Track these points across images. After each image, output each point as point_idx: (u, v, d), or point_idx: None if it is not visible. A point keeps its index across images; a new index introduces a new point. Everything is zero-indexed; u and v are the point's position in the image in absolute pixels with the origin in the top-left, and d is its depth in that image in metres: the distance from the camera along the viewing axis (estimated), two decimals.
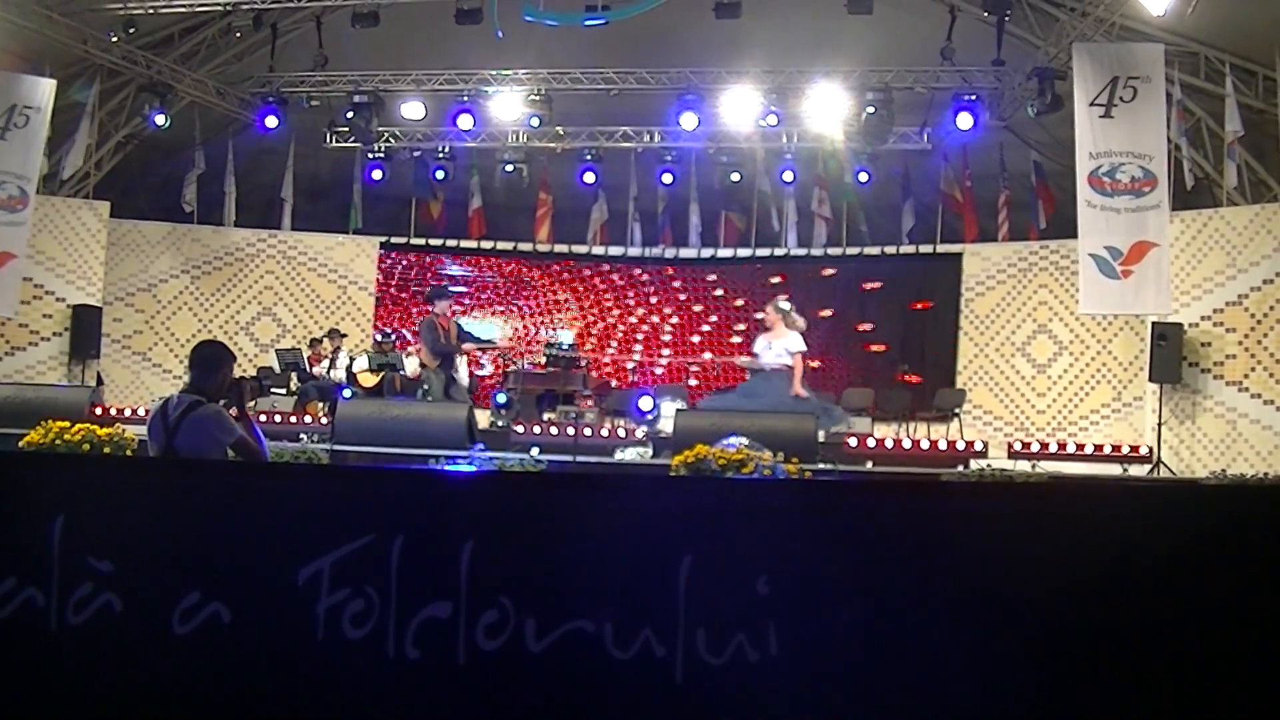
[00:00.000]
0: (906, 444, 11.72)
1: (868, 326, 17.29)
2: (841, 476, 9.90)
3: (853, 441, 11.49)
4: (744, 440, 9.32)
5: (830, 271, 17.55)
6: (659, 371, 17.93)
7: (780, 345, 11.59)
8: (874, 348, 17.17)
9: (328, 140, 17.54)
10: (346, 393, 13.88)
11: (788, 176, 16.94)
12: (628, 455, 11.54)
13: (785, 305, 11.83)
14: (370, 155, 17.51)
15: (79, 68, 14.77)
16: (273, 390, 14.90)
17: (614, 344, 18.11)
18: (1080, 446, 12.13)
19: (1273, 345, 12.77)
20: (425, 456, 9.75)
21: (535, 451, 10.65)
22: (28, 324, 15.48)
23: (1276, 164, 13.06)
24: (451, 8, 13.89)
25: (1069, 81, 12.57)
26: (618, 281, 18.27)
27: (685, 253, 18.02)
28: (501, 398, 13.95)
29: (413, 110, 16.26)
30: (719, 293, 18.01)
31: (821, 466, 10.00)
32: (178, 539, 3.05)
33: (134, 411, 12.78)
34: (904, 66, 14.93)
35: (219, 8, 14.55)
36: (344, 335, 16.04)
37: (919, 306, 17.03)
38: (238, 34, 15.77)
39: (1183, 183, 13.13)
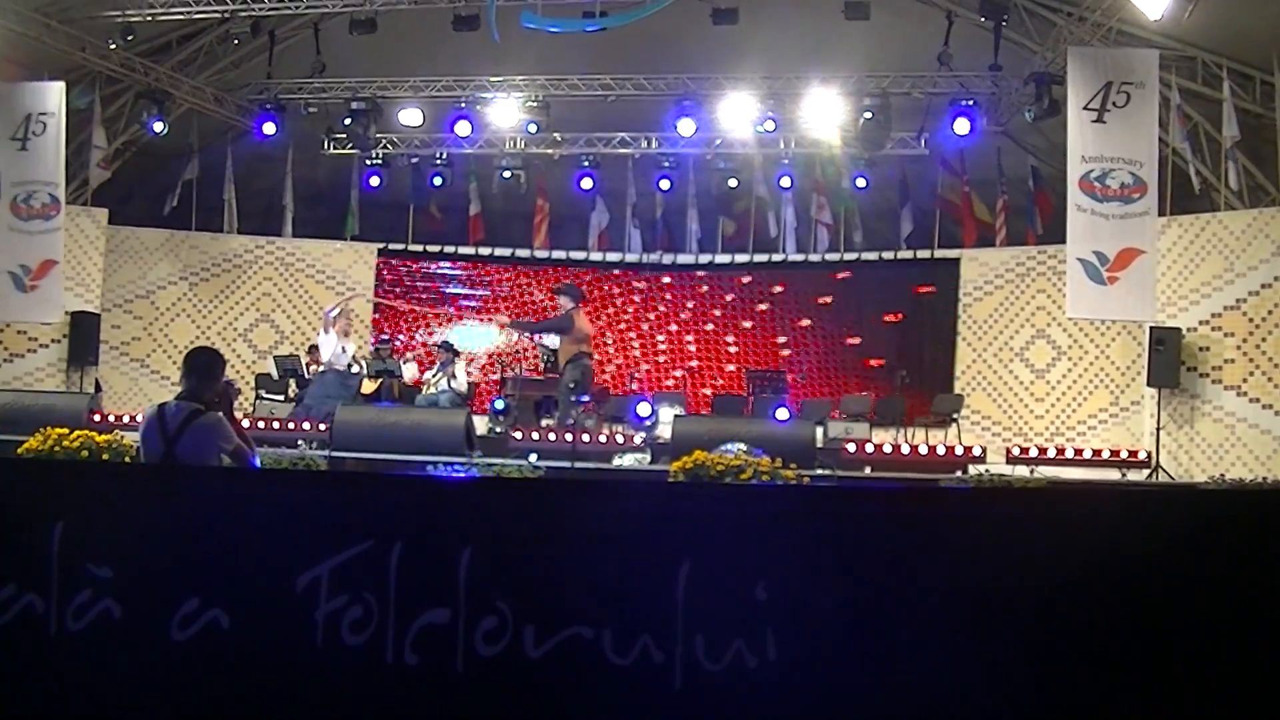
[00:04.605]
0: (905, 449, 11.72)
1: (871, 332, 17.35)
2: (839, 482, 9.90)
3: (851, 447, 11.50)
4: (742, 446, 9.33)
5: (830, 275, 17.59)
6: (646, 369, 17.94)
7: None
8: (873, 361, 17.20)
9: (325, 147, 17.54)
10: None
11: (785, 182, 16.99)
12: (626, 461, 11.55)
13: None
14: (368, 162, 17.53)
15: (77, 75, 14.78)
16: (268, 396, 14.92)
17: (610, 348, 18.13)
18: (1079, 451, 12.11)
19: (1271, 350, 12.78)
20: (424, 463, 9.76)
21: (533, 458, 10.65)
22: (26, 330, 15.48)
23: (1274, 168, 13.07)
24: (449, 14, 13.94)
25: (1066, 86, 12.59)
26: (615, 287, 18.28)
27: (683, 258, 18.04)
28: (500, 404, 13.95)
29: (410, 117, 16.29)
30: (716, 298, 18.02)
31: (819, 472, 10.01)
32: (176, 545, 3.06)
33: (132, 418, 12.75)
34: (901, 72, 14.96)
35: (217, 15, 14.55)
36: None
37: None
38: (235, 41, 15.79)
39: (1182, 187, 13.14)
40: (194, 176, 17.04)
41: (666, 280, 18.17)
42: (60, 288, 14.33)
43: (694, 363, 17.97)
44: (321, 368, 13.47)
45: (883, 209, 17.26)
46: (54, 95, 13.91)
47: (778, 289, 17.77)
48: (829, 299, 17.51)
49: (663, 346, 18.10)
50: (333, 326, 13.24)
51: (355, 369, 13.56)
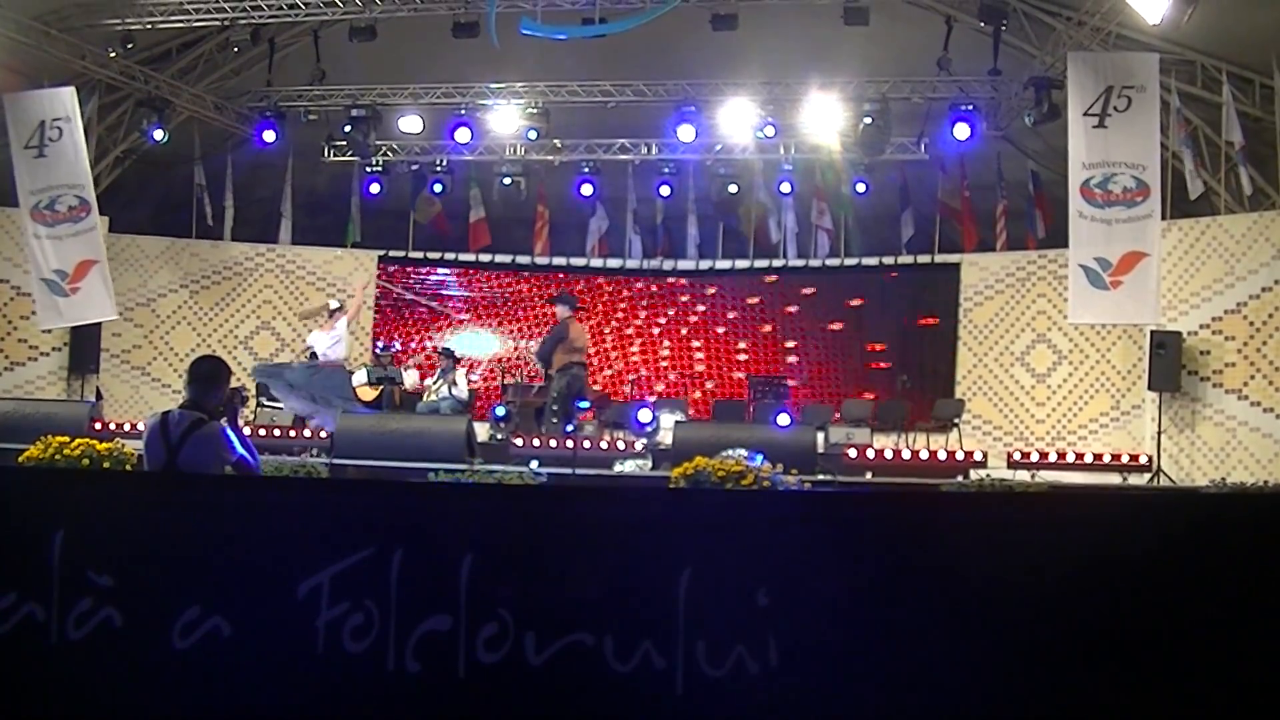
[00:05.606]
0: (906, 455, 11.71)
1: (867, 337, 17.36)
2: (841, 488, 9.90)
3: (852, 452, 11.49)
4: (742, 452, 9.30)
5: (818, 286, 17.62)
6: (655, 384, 17.94)
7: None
8: (879, 364, 17.20)
9: (326, 154, 17.56)
10: None
11: (785, 188, 17.01)
12: (627, 468, 11.53)
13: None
14: (368, 169, 17.55)
15: (77, 84, 14.79)
16: (268, 403, 14.90)
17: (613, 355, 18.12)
18: (1080, 456, 12.09)
19: (1271, 353, 12.77)
20: (425, 470, 9.75)
21: (534, 464, 10.64)
22: (27, 339, 15.49)
23: (1275, 172, 13.06)
24: (448, 21, 13.95)
25: (1065, 91, 12.58)
26: (616, 294, 18.28)
27: (684, 264, 18.05)
28: (500, 411, 13.93)
29: (410, 124, 16.29)
30: (718, 305, 18.03)
31: (821, 477, 9.99)
32: (178, 553, 3.06)
33: (133, 426, 12.74)
34: (900, 77, 14.96)
35: (216, 23, 14.58)
36: None
37: (924, 322, 17.06)
38: (235, 48, 15.78)
39: (1182, 191, 13.13)
40: (202, 183, 17.08)
41: (666, 286, 18.18)
42: (106, 285, 14.39)
43: (699, 368, 17.98)
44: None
45: (883, 214, 17.26)
46: (66, 100, 13.98)
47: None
48: (828, 305, 17.51)
49: (665, 352, 18.11)
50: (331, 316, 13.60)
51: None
